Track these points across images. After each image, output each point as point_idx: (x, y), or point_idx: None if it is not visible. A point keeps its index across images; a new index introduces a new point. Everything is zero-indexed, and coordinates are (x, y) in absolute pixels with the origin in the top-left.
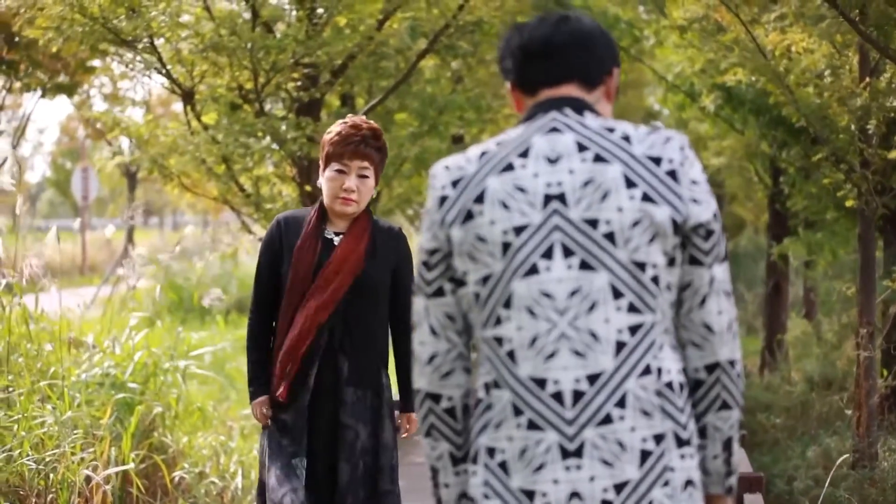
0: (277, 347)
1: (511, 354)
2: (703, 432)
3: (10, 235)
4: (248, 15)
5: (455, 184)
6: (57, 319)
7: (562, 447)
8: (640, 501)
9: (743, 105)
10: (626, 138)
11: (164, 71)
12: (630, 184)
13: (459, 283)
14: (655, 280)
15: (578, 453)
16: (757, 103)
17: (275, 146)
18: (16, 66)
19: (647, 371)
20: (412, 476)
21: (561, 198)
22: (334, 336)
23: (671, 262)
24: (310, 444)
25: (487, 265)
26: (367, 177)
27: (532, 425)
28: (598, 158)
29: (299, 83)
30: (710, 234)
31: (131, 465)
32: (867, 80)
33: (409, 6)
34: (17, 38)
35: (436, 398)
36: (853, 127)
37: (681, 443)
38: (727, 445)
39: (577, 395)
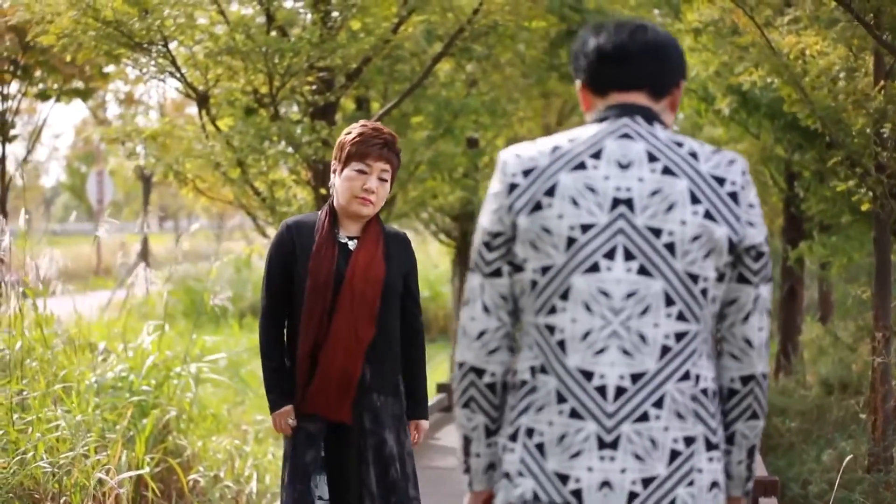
0: (304, 356)
1: (561, 344)
2: (731, 439)
3: (24, 240)
4: (262, 19)
5: (526, 173)
6: (71, 323)
7: (599, 438)
8: (665, 497)
9: (758, 109)
10: (694, 155)
11: (178, 75)
12: (695, 200)
13: (518, 268)
14: (704, 292)
15: (614, 445)
16: (772, 107)
17: (290, 150)
18: (31, 71)
19: (685, 376)
20: (423, 480)
21: (629, 203)
22: None
23: (720, 277)
24: (337, 453)
25: (549, 256)
26: (385, 180)
27: (574, 413)
28: (667, 171)
29: (314, 87)
30: (760, 255)
31: (146, 470)
32: (882, 83)
33: (424, 10)
34: (31, 44)
35: (479, 372)
36: (868, 130)
37: (710, 446)
38: (751, 452)
39: (620, 391)
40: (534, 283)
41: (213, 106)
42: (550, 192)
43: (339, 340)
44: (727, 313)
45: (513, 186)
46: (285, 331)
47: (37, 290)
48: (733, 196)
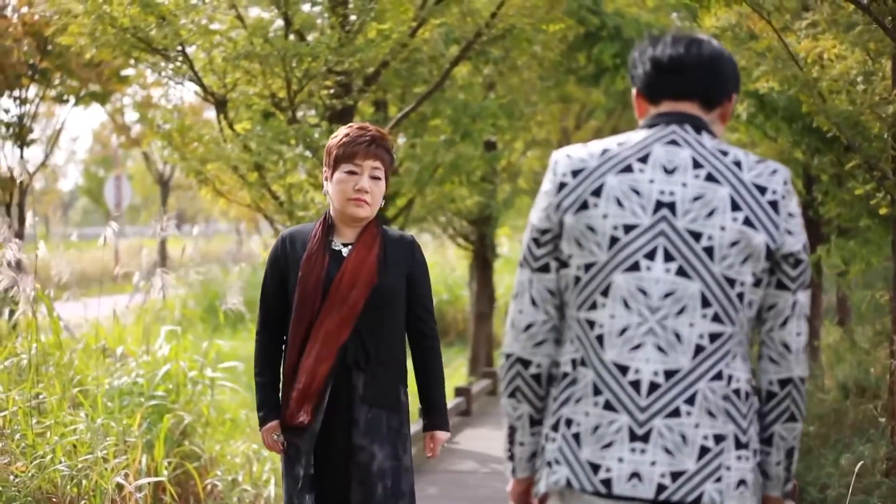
0: (289, 367)
1: (600, 338)
2: (769, 440)
3: (34, 245)
4: (280, 23)
5: (575, 173)
6: (88, 328)
7: (631, 430)
8: (692, 492)
9: (776, 112)
10: (738, 164)
11: (196, 79)
12: (735, 207)
13: (563, 264)
14: (741, 296)
15: (645, 438)
16: (789, 111)
17: (307, 153)
18: (49, 75)
19: (718, 376)
20: (443, 484)
21: (671, 206)
22: (347, 352)
23: (758, 282)
24: (323, 468)
25: (593, 253)
26: (379, 178)
27: (608, 406)
28: (710, 178)
29: (332, 91)
30: (798, 263)
31: (164, 475)
32: None
33: (442, 14)
34: (49, 47)
35: (526, 364)
36: (886, 134)
37: (740, 445)
38: (790, 454)
39: (653, 387)
40: (577, 279)
41: (231, 110)
42: (597, 193)
43: (313, 345)
44: (766, 318)
45: (562, 185)
46: (284, 346)
47: (50, 294)
48: (773, 205)
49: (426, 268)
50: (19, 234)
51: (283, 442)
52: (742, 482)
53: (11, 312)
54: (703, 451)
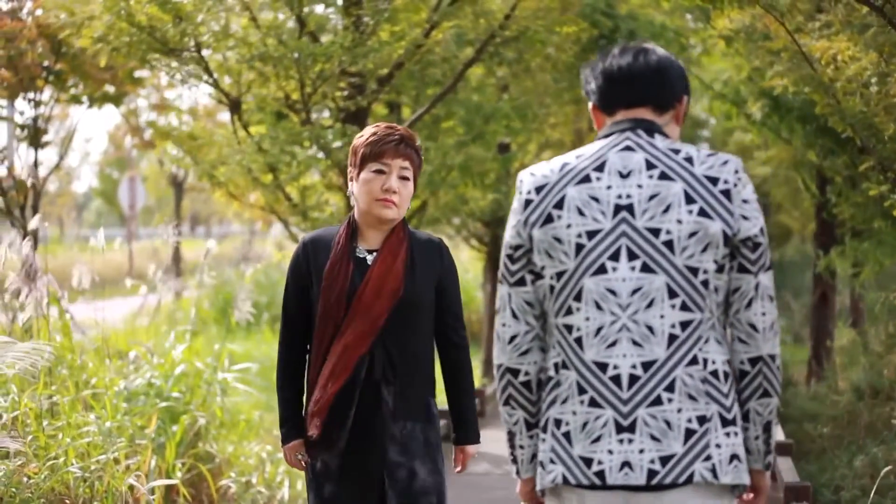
0: (311, 382)
1: (579, 341)
2: (745, 416)
3: (57, 245)
4: (294, 24)
5: (539, 190)
6: (101, 329)
7: (617, 423)
8: (683, 473)
9: (790, 113)
10: (689, 160)
11: (210, 80)
12: (690, 200)
13: (538, 275)
14: (706, 283)
15: (631, 429)
16: (804, 112)
17: (321, 155)
18: (63, 76)
19: (694, 361)
20: (458, 485)
21: (629, 208)
22: (374, 365)
23: (720, 268)
24: (355, 486)
25: (563, 262)
26: (407, 179)
27: (593, 402)
28: (664, 176)
29: (346, 92)
30: (757, 246)
31: (177, 476)
32: None
33: (456, 15)
34: (63, 49)
35: (514, 372)
36: None
37: (726, 423)
38: (767, 428)
39: (633, 379)
40: (552, 288)
41: (245, 112)
42: (559, 205)
43: (331, 359)
44: (732, 301)
45: (527, 202)
46: (307, 357)
47: (64, 296)
48: (726, 193)
49: (455, 273)
50: (33, 237)
51: (305, 461)
52: (735, 456)
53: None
54: (689, 433)
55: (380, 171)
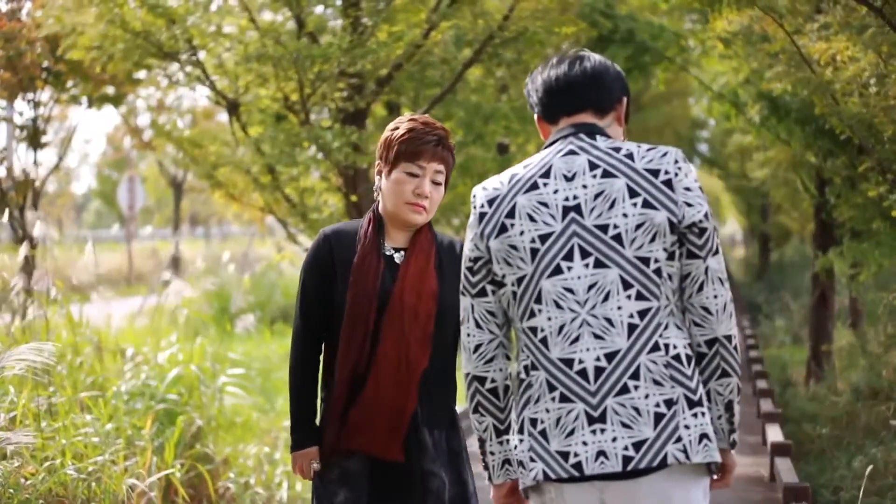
0: (342, 382)
1: (544, 341)
2: (707, 396)
3: (58, 246)
4: (292, 25)
5: (491, 202)
6: (102, 330)
7: (588, 415)
8: (657, 457)
9: (788, 115)
10: (629, 156)
11: (208, 82)
12: (633, 193)
13: (500, 284)
14: (658, 272)
15: (602, 419)
16: (802, 113)
17: (320, 156)
18: (63, 77)
19: (656, 347)
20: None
21: (577, 209)
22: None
23: (671, 256)
24: (380, 496)
25: (521, 268)
26: (440, 184)
27: (563, 398)
28: (606, 174)
29: (345, 93)
30: (703, 231)
31: (174, 473)
32: None
33: (454, 16)
34: (61, 54)
35: (481, 380)
36: None
37: (692, 404)
38: (729, 407)
39: (599, 371)
40: (514, 294)
41: (244, 113)
42: (511, 214)
43: (387, 368)
44: (684, 286)
45: (482, 216)
46: (322, 357)
47: (68, 296)
48: (667, 183)
49: None
50: (32, 237)
51: (317, 469)
52: (704, 436)
53: (25, 314)
54: (658, 417)
55: (413, 174)
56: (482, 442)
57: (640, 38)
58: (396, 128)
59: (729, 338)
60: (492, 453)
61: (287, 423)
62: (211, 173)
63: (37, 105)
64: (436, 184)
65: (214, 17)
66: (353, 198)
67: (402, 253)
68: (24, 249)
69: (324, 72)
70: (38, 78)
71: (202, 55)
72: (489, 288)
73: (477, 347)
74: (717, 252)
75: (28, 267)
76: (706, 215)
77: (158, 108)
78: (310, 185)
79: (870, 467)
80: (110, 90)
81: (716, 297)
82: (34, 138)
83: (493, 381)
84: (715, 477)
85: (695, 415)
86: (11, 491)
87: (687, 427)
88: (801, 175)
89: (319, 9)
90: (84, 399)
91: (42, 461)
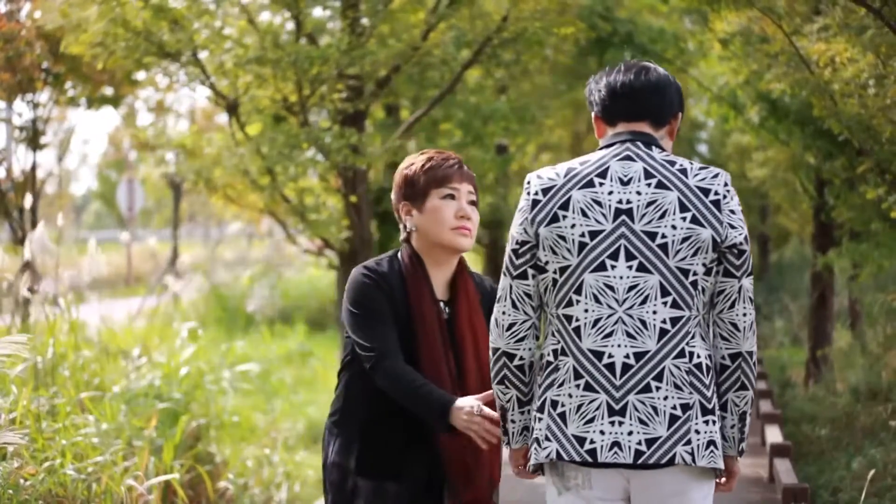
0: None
1: (577, 330)
2: (724, 406)
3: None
4: (291, 27)
5: (546, 192)
6: (103, 330)
7: (609, 406)
8: (666, 455)
9: (787, 116)
10: (683, 171)
11: (207, 83)
12: (683, 208)
13: (542, 269)
14: (694, 284)
15: (622, 412)
16: (801, 115)
17: (319, 157)
18: (62, 78)
19: (681, 354)
20: (524, 488)
21: (629, 213)
22: None
23: (708, 271)
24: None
25: (566, 258)
26: (475, 204)
27: (588, 387)
28: (661, 185)
29: (344, 95)
30: (741, 253)
31: (175, 476)
32: None
33: (453, 17)
34: (61, 51)
35: (510, 357)
36: None
37: (705, 411)
38: (742, 417)
39: (626, 368)
40: (554, 281)
41: (243, 114)
42: (565, 207)
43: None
44: (716, 302)
45: (535, 202)
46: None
47: (68, 297)
48: (716, 204)
49: None
50: (31, 239)
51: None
52: (712, 443)
53: (27, 315)
54: (673, 419)
55: (450, 196)
56: (504, 411)
57: (638, 40)
58: (411, 164)
59: (751, 353)
60: (513, 421)
61: (287, 424)
62: (207, 176)
63: (36, 106)
64: (472, 204)
65: (214, 19)
66: (353, 199)
67: (444, 305)
68: (25, 251)
69: (322, 73)
70: (37, 79)
71: (203, 55)
72: (531, 272)
73: (510, 326)
74: (750, 273)
75: (28, 268)
76: (745, 239)
77: (158, 110)
78: (309, 186)
79: (872, 471)
80: (109, 91)
81: (745, 314)
82: (33, 139)
83: (521, 358)
84: (722, 481)
85: (706, 422)
86: (11, 492)
87: (697, 432)
88: (799, 176)
89: (318, 10)
90: (85, 400)
91: (42, 462)
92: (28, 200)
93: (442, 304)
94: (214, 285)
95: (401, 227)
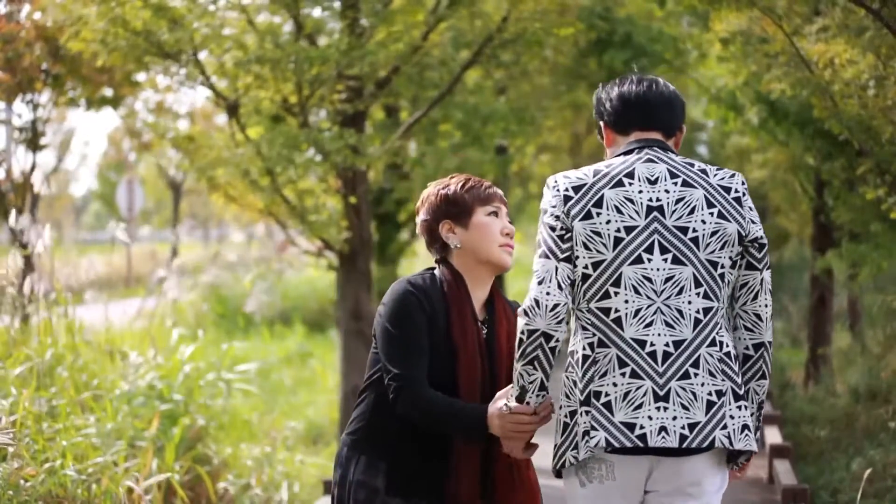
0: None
1: (618, 321)
2: (745, 395)
3: (56, 248)
4: (291, 27)
5: (577, 189)
6: (102, 331)
7: (655, 392)
8: (706, 439)
9: (786, 117)
10: (704, 172)
11: (207, 83)
12: (710, 204)
13: (574, 262)
14: (722, 276)
15: (666, 398)
16: (801, 116)
17: (319, 158)
18: (61, 79)
19: (713, 343)
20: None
21: (660, 209)
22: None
23: (733, 265)
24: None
25: (600, 253)
26: (512, 224)
27: (634, 374)
28: (686, 184)
29: (343, 95)
30: (762, 246)
31: (175, 476)
32: None
33: (452, 17)
34: (61, 52)
35: (548, 338)
36: None
37: (738, 397)
38: (760, 407)
39: (667, 355)
40: (585, 277)
41: (243, 115)
42: (598, 204)
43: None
44: (739, 294)
45: (567, 198)
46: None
47: (66, 298)
48: (738, 200)
49: None
50: (30, 240)
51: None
52: (746, 427)
53: (26, 316)
54: (710, 404)
55: (495, 214)
56: (523, 391)
57: (638, 41)
58: (445, 185)
59: (771, 343)
60: (527, 403)
61: (291, 423)
62: (209, 174)
63: (35, 107)
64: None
65: (214, 19)
66: (352, 199)
67: (491, 327)
68: (23, 253)
69: (322, 74)
70: (36, 80)
71: (202, 55)
72: (573, 258)
73: (555, 307)
74: (769, 267)
75: (27, 269)
76: (763, 233)
77: (158, 111)
78: (308, 186)
79: (868, 470)
80: (108, 92)
81: (766, 305)
82: (33, 140)
83: (556, 340)
84: (737, 468)
85: (739, 407)
86: (11, 493)
87: (732, 417)
88: (799, 177)
89: (317, 11)
90: (85, 400)
91: (42, 462)
92: (28, 201)
93: (479, 324)
94: (214, 286)
95: (434, 247)
